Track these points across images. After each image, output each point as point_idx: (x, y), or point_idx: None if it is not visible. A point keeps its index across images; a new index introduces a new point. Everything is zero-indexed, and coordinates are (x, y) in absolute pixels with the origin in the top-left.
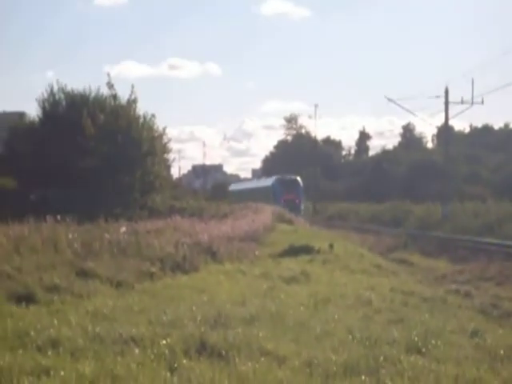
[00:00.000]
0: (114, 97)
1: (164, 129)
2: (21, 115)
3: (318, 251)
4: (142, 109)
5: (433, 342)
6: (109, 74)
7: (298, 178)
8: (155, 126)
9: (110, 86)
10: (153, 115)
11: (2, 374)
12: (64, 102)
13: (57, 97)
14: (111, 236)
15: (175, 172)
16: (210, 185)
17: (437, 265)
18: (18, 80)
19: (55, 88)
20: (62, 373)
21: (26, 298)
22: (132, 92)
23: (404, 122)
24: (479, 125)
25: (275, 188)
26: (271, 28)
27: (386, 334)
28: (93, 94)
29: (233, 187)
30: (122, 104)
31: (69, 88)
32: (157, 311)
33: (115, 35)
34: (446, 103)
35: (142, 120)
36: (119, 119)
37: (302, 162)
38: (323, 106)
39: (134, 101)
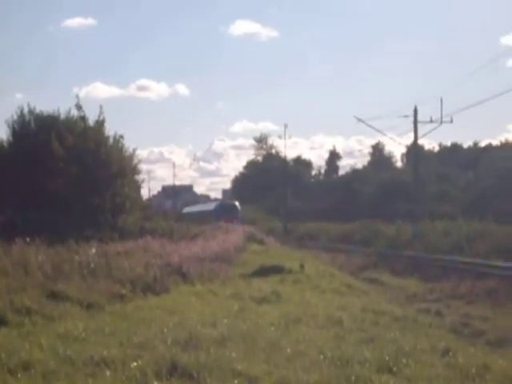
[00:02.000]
0: (83, 118)
1: (134, 150)
2: None
3: (289, 271)
4: (111, 130)
5: (404, 361)
6: (77, 96)
7: (237, 203)
8: (124, 147)
9: (79, 107)
10: (121, 136)
11: None
12: (33, 124)
13: (26, 119)
14: (81, 258)
15: (145, 193)
16: (180, 205)
17: (407, 284)
18: None
19: (25, 110)
20: None
21: None
22: (100, 113)
23: (373, 142)
24: (448, 143)
25: (217, 211)
26: (239, 48)
27: (358, 353)
28: (62, 116)
29: (186, 210)
30: (91, 125)
31: (38, 110)
32: (128, 333)
33: (84, 57)
34: (415, 122)
35: (111, 141)
36: (88, 141)
37: (272, 181)
38: (292, 126)
39: (103, 122)
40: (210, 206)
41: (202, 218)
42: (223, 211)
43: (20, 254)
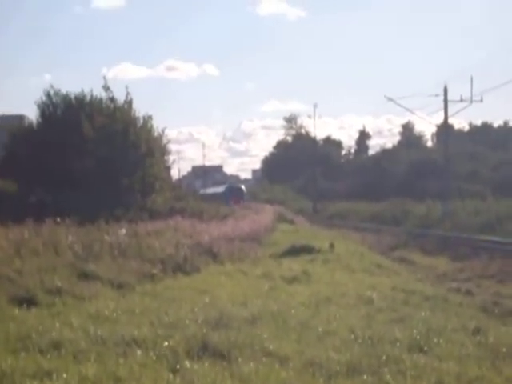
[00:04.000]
0: (112, 99)
1: (163, 130)
2: (20, 118)
3: (319, 251)
4: (140, 111)
5: (435, 340)
6: (105, 77)
7: (243, 186)
8: (153, 128)
9: (107, 88)
10: (150, 117)
11: (4, 377)
12: (62, 106)
13: (54, 100)
14: (112, 238)
15: (175, 173)
16: (210, 186)
17: (437, 263)
18: (18, 83)
19: (51, 92)
20: (65, 375)
21: (27, 301)
22: (128, 94)
23: (403, 121)
24: (478, 123)
25: (226, 193)
26: (267, 28)
27: (388, 333)
28: (89, 97)
29: (201, 191)
30: (119, 106)
31: (64, 91)
32: (158, 313)
33: (113, 38)
34: (445, 101)
35: (140, 122)
36: (117, 121)
37: (301, 161)
38: (322, 106)
39: (131, 102)
40: (221, 189)
41: (214, 198)
42: (231, 193)
43: (50, 235)
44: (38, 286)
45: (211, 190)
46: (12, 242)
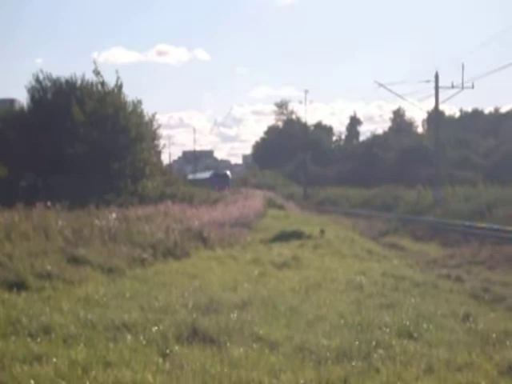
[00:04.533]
0: (102, 83)
1: (153, 115)
2: (11, 102)
3: (309, 236)
4: (130, 95)
5: (424, 326)
6: (95, 61)
7: (228, 172)
8: (143, 113)
9: (97, 72)
10: (139, 101)
11: None
12: (52, 90)
13: (43, 84)
14: (102, 222)
15: (166, 158)
16: (200, 171)
17: (428, 249)
18: (8, 66)
19: (41, 76)
20: (55, 359)
21: (17, 285)
22: (118, 78)
23: (393, 107)
24: (469, 109)
25: (212, 179)
26: (258, 13)
27: (378, 318)
28: (79, 81)
29: (189, 176)
30: (110, 91)
31: (55, 75)
32: (148, 297)
33: (103, 21)
34: (436, 88)
35: (130, 106)
36: (107, 106)
37: (292, 147)
38: (313, 92)
39: (121, 87)
40: (207, 175)
41: (201, 183)
42: (217, 179)
43: (41, 219)
44: (28, 270)
45: (198, 176)
46: (2, 226)
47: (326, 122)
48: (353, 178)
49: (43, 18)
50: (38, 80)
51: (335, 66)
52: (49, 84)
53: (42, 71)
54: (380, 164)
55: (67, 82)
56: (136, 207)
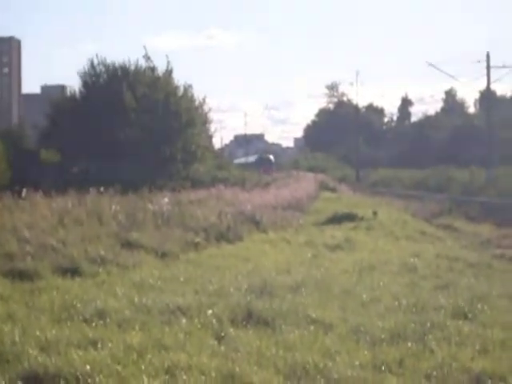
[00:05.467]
0: (153, 69)
1: (203, 99)
2: (63, 88)
3: (362, 218)
4: (181, 80)
5: (479, 307)
6: (145, 47)
7: (271, 156)
8: (194, 97)
9: (147, 58)
10: (190, 86)
11: (49, 346)
12: (104, 75)
13: (97, 70)
14: (155, 207)
15: (217, 142)
16: (252, 154)
17: (481, 230)
18: (61, 53)
19: (95, 61)
20: (110, 344)
21: (71, 271)
22: (168, 63)
23: (445, 88)
24: None
25: (257, 162)
26: None
27: (433, 299)
28: (132, 67)
29: (236, 161)
30: (160, 76)
31: (109, 61)
32: (202, 281)
33: (155, 6)
34: (488, 67)
35: (180, 91)
36: (158, 91)
37: (344, 129)
38: (364, 73)
39: (171, 72)
40: (252, 159)
41: (246, 167)
42: (261, 163)
43: (94, 204)
44: (81, 255)
45: (244, 160)
46: (56, 212)
47: (378, 103)
48: (405, 160)
49: (96, 4)
50: (92, 65)
51: (387, 47)
52: (102, 69)
53: (96, 56)
54: (432, 145)
55: (121, 67)
56: (188, 191)
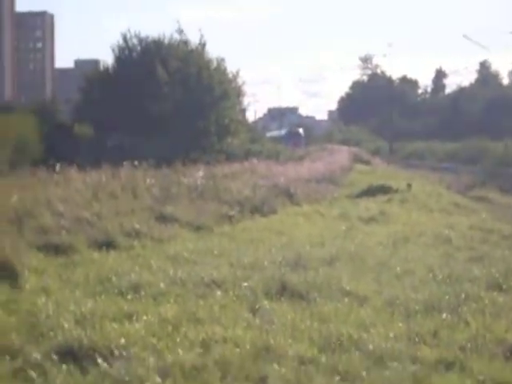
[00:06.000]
0: (185, 42)
1: (237, 72)
2: (96, 62)
3: (396, 191)
4: (213, 52)
5: None
6: (178, 21)
7: (301, 130)
8: (227, 70)
9: (180, 31)
10: (222, 59)
11: (85, 319)
12: (137, 50)
13: (130, 44)
14: (189, 180)
15: (251, 116)
16: (286, 127)
17: None
18: (93, 27)
19: (128, 36)
20: (145, 317)
21: (106, 244)
22: (201, 36)
23: (479, 59)
24: None
25: (286, 136)
26: None
27: (467, 271)
28: (166, 41)
29: (268, 134)
30: (193, 49)
31: (143, 35)
32: (237, 254)
33: None
34: None
35: (213, 64)
36: (191, 65)
37: (377, 101)
38: (398, 45)
39: (204, 45)
40: (282, 133)
41: (276, 141)
42: (290, 137)
43: (128, 178)
44: (116, 229)
45: (274, 134)
46: (90, 186)
47: (412, 75)
48: (439, 132)
49: None
50: (125, 39)
51: (420, 18)
52: (136, 43)
53: (129, 31)
54: (466, 117)
55: (154, 41)
56: (222, 165)
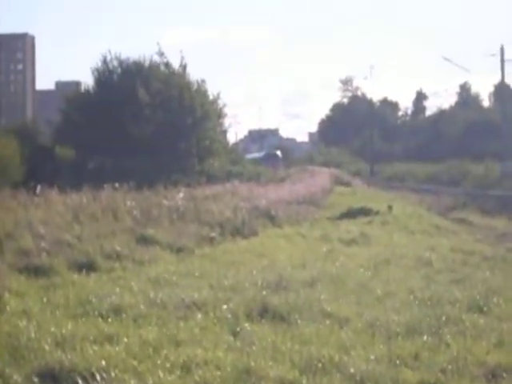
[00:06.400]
0: (167, 64)
1: (218, 94)
2: (77, 84)
3: (377, 213)
4: (194, 75)
5: (494, 300)
6: (158, 43)
7: (278, 152)
8: (207, 92)
9: (161, 53)
10: (203, 81)
11: (65, 341)
12: (118, 71)
13: (110, 66)
14: (170, 202)
15: (232, 137)
16: (266, 149)
17: (496, 224)
18: (74, 48)
19: (108, 57)
20: (126, 339)
21: (86, 266)
22: (182, 58)
23: (459, 82)
24: None
25: (264, 158)
26: None
27: (448, 293)
28: (147, 63)
29: (247, 156)
30: (174, 71)
31: (123, 57)
32: (218, 276)
33: (168, 2)
34: (502, 61)
35: (194, 86)
36: (172, 87)
37: (358, 123)
38: (378, 68)
39: (185, 67)
40: (260, 155)
41: (255, 162)
42: (268, 159)
43: (109, 200)
44: (97, 251)
45: (252, 156)
46: (70, 208)
47: (392, 97)
48: (419, 154)
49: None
50: (105, 61)
51: (400, 42)
52: (116, 65)
53: (109, 52)
54: (446, 139)
55: (135, 62)
56: (203, 186)
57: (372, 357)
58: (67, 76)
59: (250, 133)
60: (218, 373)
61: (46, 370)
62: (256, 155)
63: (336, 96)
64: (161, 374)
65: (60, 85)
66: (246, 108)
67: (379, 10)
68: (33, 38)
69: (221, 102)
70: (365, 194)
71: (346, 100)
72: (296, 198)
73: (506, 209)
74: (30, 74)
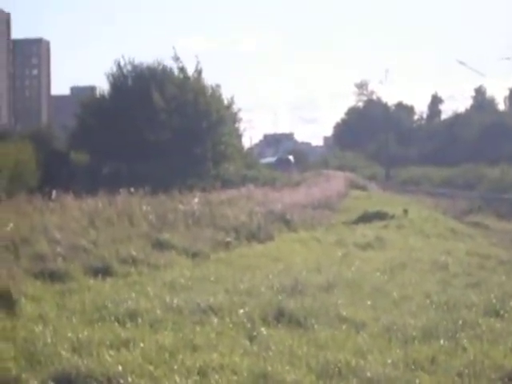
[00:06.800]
0: (182, 69)
1: (232, 98)
2: (92, 89)
3: (393, 217)
4: (208, 80)
5: (511, 304)
6: (174, 47)
7: (290, 157)
8: (222, 96)
9: (176, 58)
10: (218, 85)
11: (81, 347)
12: (132, 76)
13: (124, 70)
14: (185, 207)
15: (247, 142)
16: (281, 154)
17: None
18: (91, 54)
19: (122, 62)
20: (142, 344)
21: (102, 271)
22: (197, 63)
23: (474, 85)
24: None
25: (277, 163)
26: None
27: (464, 297)
28: (160, 67)
29: (261, 161)
30: (189, 76)
31: (137, 62)
32: (233, 280)
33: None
34: None
35: (209, 91)
36: (187, 91)
37: (373, 127)
38: (393, 72)
39: (200, 72)
40: (273, 159)
41: (268, 167)
42: (281, 163)
43: (125, 205)
44: (113, 256)
45: (266, 160)
46: (86, 213)
47: (407, 101)
48: (435, 157)
49: (123, 7)
50: (119, 66)
51: (415, 45)
52: (130, 69)
53: (123, 57)
54: (462, 142)
55: (148, 68)
56: (218, 191)
57: (389, 361)
58: (82, 81)
59: (265, 137)
60: (235, 377)
61: (62, 376)
62: (269, 160)
63: (351, 100)
64: (177, 379)
65: (75, 90)
66: (259, 114)
67: (394, 14)
68: (48, 43)
69: (235, 107)
70: (380, 198)
71: (361, 104)
72: (311, 202)
73: None
74: (45, 79)
